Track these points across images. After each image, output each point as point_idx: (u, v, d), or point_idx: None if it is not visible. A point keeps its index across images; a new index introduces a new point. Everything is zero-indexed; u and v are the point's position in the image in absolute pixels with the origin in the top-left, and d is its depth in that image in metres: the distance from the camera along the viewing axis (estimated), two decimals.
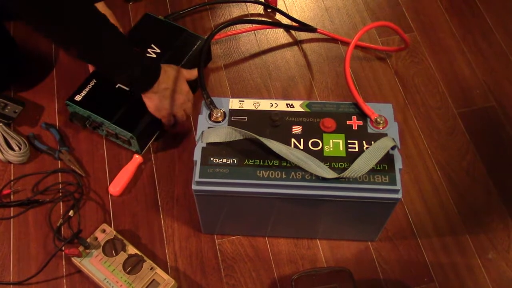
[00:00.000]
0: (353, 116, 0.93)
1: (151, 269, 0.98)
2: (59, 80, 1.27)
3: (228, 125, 0.91)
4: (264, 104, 0.94)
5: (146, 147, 1.15)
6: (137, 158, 1.12)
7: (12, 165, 1.14)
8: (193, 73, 1.13)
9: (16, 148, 1.12)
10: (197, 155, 0.88)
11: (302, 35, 1.37)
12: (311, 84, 1.28)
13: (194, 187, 0.87)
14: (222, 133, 0.89)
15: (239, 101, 0.95)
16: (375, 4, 1.44)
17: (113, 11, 1.38)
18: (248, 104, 0.94)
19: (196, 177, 0.86)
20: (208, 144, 0.89)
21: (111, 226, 1.06)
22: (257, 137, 0.88)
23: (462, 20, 1.40)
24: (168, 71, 1.05)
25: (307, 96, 1.26)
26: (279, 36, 1.37)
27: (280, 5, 1.42)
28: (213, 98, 0.94)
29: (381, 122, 0.91)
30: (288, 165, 0.87)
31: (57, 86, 1.26)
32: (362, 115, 0.93)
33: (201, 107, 0.94)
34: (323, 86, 1.28)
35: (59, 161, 1.14)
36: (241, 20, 1.38)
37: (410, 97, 1.26)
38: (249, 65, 1.31)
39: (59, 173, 1.13)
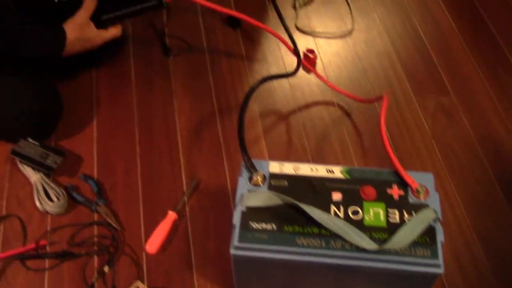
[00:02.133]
0: (393, 185, 0.92)
1: None
2: (99, 131, 1.29)
3: (268, 189, 0.91)
4: (304, 169, 0.95)
5: None
6: (172, 215, 1.13)
7: (49, 215, 1.15)
8: (88, 7, 1.18)
9: (55, 199, 1.14)
10: (236, 219, 0.88)
11: (338, 94, 1.38)
12: (346, 143, 1.28)
13: (232, 251, 0.87)
14: (262, 198, 0.89)
15: (280, 164, 0.95)
16: (412, 65, 1.44)
17: (154, 65, 1.43)
18: (288, 168, 0.95)
19: (235, 242, 0.86)
20: (247, 207, 0.89)
21: (144, 283, 1.06)
22: (297, 203, 0.87)
23: (499, 82, 1.40)
24: (69, 38, 1.16)
25: (342, 155, 1.26)
26: (315, 93, 1.38)
27: (317, 65, 1.44)
28: (253, 161, 0.94)
29: (422, 192, 0.90)
30: (328, 233, 0.86)
31: (97, 137, 1.28)
32: (403, 184, 0.92)
33: (241, 169, 0.94)
34: (359, 146, 1.28)
35: (95, 214, 1.15)
36: (276, 75, 1.38)
37: (446, 161, 1.25)
38: (285, 122, 1.32)
39: (95, 226, 1.13)
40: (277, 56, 1.46)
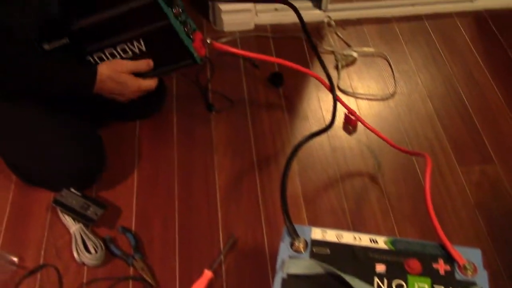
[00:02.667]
0: (439, 259, 0.89)
1: None
2: (139, 184, 1.31)
3: (310, 256, 0.89)
4: (347, 237, 0.93)
5: None
6: (208, 274, 1.11)
7: (86, 267, 1.15)
8: (139, 65, 1.15)
9: (93, 251, 1.14)
10: (276, 286, 0.86)
11: (379, 154, 1.37)
12: (387, 207, 1.26)
13: None
14: (304, 265, 0.87)
15: (322, 231, 0.93)
16: (455, 131, 1.43)
17: (196, 120, 1.45)
18: (331, 235, 0.93)
19: None
20: (288, 275, 0.87)
21: None
22: (340, 273, 0.85)
23: None
24: (101, 73, 1.12)
25: (383, 220, 1.24)
26: (356, 154, 1.37)
27: (358, 126, 1.44)
28: (295, 226, 0.93)
29: (470, 269, 0.87)
30: None
31: (137, 190, 1.29)
32: (449, 259, 0.89)
33: (282, 233, 0.93)
34: (400, 211, 1.25)
35: (131, 268, 1.15)
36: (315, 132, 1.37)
37: (491, 234, 1.21)
38: (324, 183, 1.31)
39: (130, 281, 1.13)
40: (318, 115, 1.46)
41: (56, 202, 1.20)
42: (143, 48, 1.11)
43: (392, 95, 1.52)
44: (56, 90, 1.13)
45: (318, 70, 1.57)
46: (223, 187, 1.30)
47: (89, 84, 1.13)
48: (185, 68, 1.17)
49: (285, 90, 1.53)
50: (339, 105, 1.45)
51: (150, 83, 1.19)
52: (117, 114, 1.42)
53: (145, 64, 1.15)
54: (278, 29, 1.71)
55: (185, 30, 1.08)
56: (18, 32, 1.07)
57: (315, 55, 1.27)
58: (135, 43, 1.10)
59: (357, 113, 1.43)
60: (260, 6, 1.73)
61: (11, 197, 1.27)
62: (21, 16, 1.07)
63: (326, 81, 1.26)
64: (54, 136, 1.19)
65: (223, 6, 1.66)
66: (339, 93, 1.52)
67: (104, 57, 1.15)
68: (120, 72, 1.12)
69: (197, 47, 1.10)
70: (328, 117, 1.45)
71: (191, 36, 1.10)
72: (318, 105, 1.48)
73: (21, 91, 1.15)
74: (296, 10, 1.20)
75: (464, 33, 1.71)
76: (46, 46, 1.11)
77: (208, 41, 1.11)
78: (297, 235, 0.92)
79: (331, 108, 1.21)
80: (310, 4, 1.75)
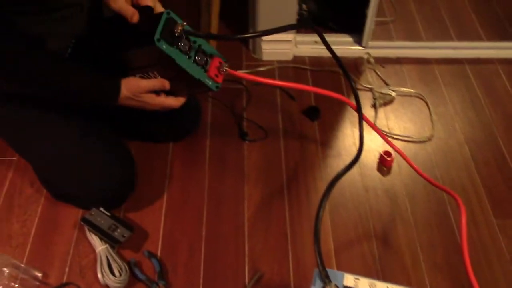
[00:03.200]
0: None
1: None
2: (167, 208, 1.30)
3: None
4: (380, 287, 0.90)
5: None
6: None
7: None
8: (154, 85, 1.11)
9: (117, 273, 1.13)
10: None
11: (413, 198, 1.34)
12: (418, 255, 1.22)
13: None
14: None
15: (355, 278, 0.91)
16: (492, 181, 1.39)
17: (229, 148, 1.44)
18: (363, 284, 0.90)
19: None
20: None
21: None
22: None
23: None
24: (121, 92, 1.10)
25: (413, 269, 1.20)
26: (389, 196, 1.34)
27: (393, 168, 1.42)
28: (327, 270, 0.91)
29: None
30: None
31: (165, 213, 1.28)
32: None
33: (313, 276, 0.91)
34: (431, 260, 1.22)
35: None
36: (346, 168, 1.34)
37: None
38: (354, 224, 1.29)
39: None
40: (352, 153, 1.44)
41: (85, 220, 1.19)
42: (158, 77, 1.11)
43: (429, 139, 1.49)
44: (80, 100, 1.13)
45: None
46: (251, 218, 1.28)
47: (112, 99, 1.11)
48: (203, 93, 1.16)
49: (320, 125, 1.51)
50: (374, 145, 1.44)
51: (172, 102, 1.15)
52: (151, 134, 1.42)
53: (159, 84, 1.11)
54: (316, 62, 1.70)
55: (196, 60, 1.06)
56: (52, 43, 1.09)
57: (350, 87, 1.23)
58: (150, 73, 1.11)
59: (392, 154, 1.41)
60: (300, 38, 1.73)
61: (40, 211, 1.27)
62: (58, 27, 1.09)
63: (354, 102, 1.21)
64: (86, 154, 1.19)
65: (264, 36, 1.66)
66: (374, 133, 1.49)
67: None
68: (138, 93, 1.10)
69: (211, 75, 1.07)
70: (364, 157, 1.43)
71: (206, 65, 1.07)
72: (352, 143, 1.47)
73: (46, 98, 1.14)
74: (321, 36, 1.16)
75: (506, 81, 1.68)
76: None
77: (224, 69, 1.09)
78: (329, 281, 0.89)
79: (365, 147, 1.19)
80: (350, 39, 1.75)
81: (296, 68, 1.69)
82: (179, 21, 1.02)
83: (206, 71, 1.06)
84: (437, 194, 1.36)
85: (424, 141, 1.49)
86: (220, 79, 1.08)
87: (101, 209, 1.21)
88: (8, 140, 1.24)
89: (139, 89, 1.10)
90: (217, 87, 1.08)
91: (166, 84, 1.10)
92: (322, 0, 1.82)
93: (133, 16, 1.05)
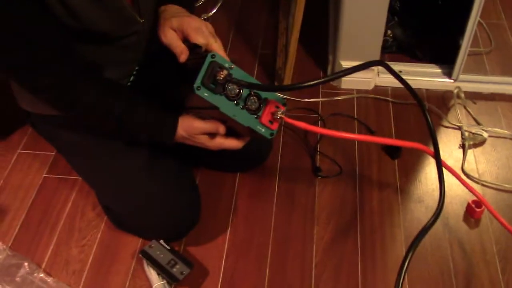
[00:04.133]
0: None
1: None
2: (230, 245, 1.21)
3: None
4: None
5: None
6: None
7: None
8: (209, 128, 1.00)
9: None
10: None
11: (505, 257, 1.18)
12: None
13: None
14: None
15: None
16: None
17: (300, 183, 1.34)
18: None
19: None
20: None
21: None
22: None
23: None
24: (178, 132, 1.02)
25: None
26: (476, 252, 1.19)
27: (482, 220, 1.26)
28: None
29: None
30: None
31: (227, 251, 1.20)
32: None
33: None
34: None
35: None
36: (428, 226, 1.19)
37: None
38: (436, 283, 1.15)
39: None
40: (436, 199, 1.29)
41: (143, 253, 1.13)
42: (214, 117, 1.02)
43: None
44: (131, 136, 1.05)
45: (444, 144, 1.42)
46: (320, 265, 1.17)
47: (167, 137, 1.02)
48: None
49: (401, 164, 1.38)
50: (461, 191, 1.29)
51: (233, 144, 1.03)
52: (217, 164, 1.34)
53: (213, 127, 1.00)
54: (399, 94, 1.57)
55: (246, 106, 0.95)
56: (111, 71, 1.03)
57: (427, 127, 1.08)
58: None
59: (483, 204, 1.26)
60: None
61: (99, 237, 1.22)
62: (117, 56, 1.03)
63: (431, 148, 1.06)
64: (150, 185, 1.13)
65: (344, 61, 1.55)
66: (462, 177, 1.35)
67: None
68: (194, 134, 1.01)
69: (265, 122, 0.96)
70: (448, 204, 1.29)
71: (259, 110, 0.96)
72: (436, 187, 1.32)
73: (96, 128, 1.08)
74: (391, 70, 1.02)
75: None
76: None
77: (279, 116, 0.97)
78: None
79: (451, 193, 1.05)
80: (439, 70, 1.60)
81: (377, 99, 1.57)
82: (227, 64, 0.92)
83: (258, 117, 0.95)
84: None
85: None
86: (275, 126, 0.96)
87: (161, 241, 1.15)
88: (71, 164, 1.21)
89: (194, 129, 1.01)
90: (271, 134, 0.97)
91: (221, 129, 1.00)
92: (409, 26, 1.69)
93: (182, 54, 0.96)
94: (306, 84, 0.89)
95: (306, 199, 1.31)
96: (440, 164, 1.02)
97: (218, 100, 0.91)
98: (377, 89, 1.60)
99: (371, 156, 1.40)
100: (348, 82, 1.59)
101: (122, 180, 1.14)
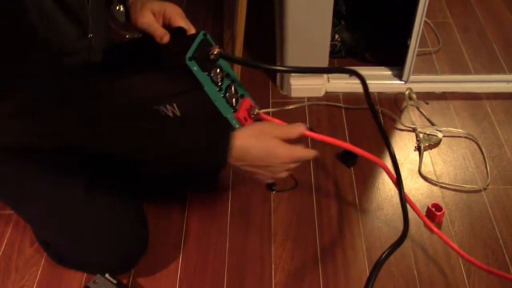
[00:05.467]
0: None
1: None
2: (183, 272, 1.13)
3: None
4: None
5: None
6: None
7: None
8: (294, 130, 0.85)
9: None
10: None
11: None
12: None
13: None
14: None
15: None
16: None
17: (254, 200, 1.27)
18: None
19: None
20: None
21: None
22: None
23: None
24: (241, 145, 0.82)
25: None
26: (440, 258, 1.15)
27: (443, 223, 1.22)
28: None
29: None
30: None
31: (180, 279, 1.12)
32: None
33: None
34: None
35: None
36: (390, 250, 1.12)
37: None
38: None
39: None
40: (395, 205, 1.26)
41: None
42: (177, 112, 0.94)
43: (485, 188, 1.29)
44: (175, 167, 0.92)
45: (400, 148, 1.37)
46: (280, 285, 1.10)
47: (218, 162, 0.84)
48: None
49: (357, 172, 1.33)
50: (420, 195, 1.25)
51: (305, 154, 0.87)
52: (165, 186, 1.26)
53: (297, 131, 0.86)
54: (351, 99, 1.53)
55: (225, 97, 0.90)
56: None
57: (384, 134, 1.04)
58: (168, 107, 0.94)
59: (443, 207, 1.22)
60: None
61: (39, 275, 1.12)
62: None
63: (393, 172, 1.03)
64: (91, 213, 1.03)
65: None
66: (419, 181, 1.31)
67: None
68: (266, 135, 0.84)
69: (240, 117, 0.90)
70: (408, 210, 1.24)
71: (235, 105, 0.91)
72: (395, 193, 1.28)
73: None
74: (363, 81, 0.98)
75: None
76: None
77: (255, 112, 0.92)
78: None
79: (411, 198, 1.01)
80: (389, 73, 1.57)
81: (329, 105, 1.52)
82: (214, 44, 0.88)
83: (235, 111, 0.90)
84: (498, 256, 1.16)
85: (478, 191, 1.29)
86: (248, 123, 0.92)
87: (107, 275, 1.05)
88: (2, 198, 1.10)
89: (270, 127, 0.85)
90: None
91: (301, 128, 0.86)
92: (357, 29, 1.65)
93: (164, 36, 0.91)
94: (291, 68, 1.00)
95: (262, 216, 1.24)
96: (402, 191, 0.98)
97: (205, 79, 0.85)
98: (328, 95, 1.55)
99: (327, 166, 1.35)
100: (298, 90, 1.53)
101: (59, 212, 1.04)
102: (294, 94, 1.54)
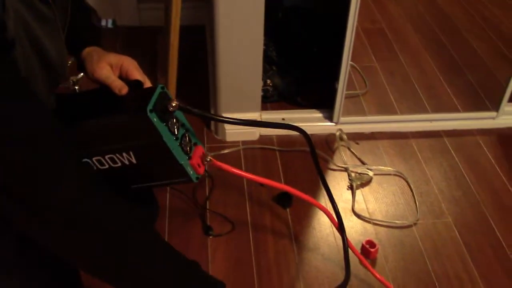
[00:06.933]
0: None
1: None
2: None
3: None
4: None
5: None
6: None
7: None
8: None
9: None
10: None
11: None
12: None
13: None
14: None
15: None
16: (487, 268, 1.23)
17: (191, 246, 1.26)
18: None
19: None
20: None
21: None
22: None
23: None
24: None
25: None
26: None
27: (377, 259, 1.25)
28: None
29: None
30: None
31: None
32: None
33: None
34: None
35: None
36: None
37: None
38: None
39: None
40: (331, 244, 1.27)
41: None
42: (133, 161, 0.96)
43: (415, 223, 1.34)
44: None
45: (333, 187, 1.40)
46: None
47: None
48: (180, 184, 1.02)
49: (293, 212, 1.35)
50: (355, 233, 1.28)
51: None
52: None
53: None
54: (285, 141, 1.56)
55: (181, 146, 0.94)
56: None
57: (330, 200, 1.09)
58: (125, 155, 0.95)
59: (376, 244, 1.25)
60: (266, 115, 1.60)
61: None
62: None
63: (335, 217, 1.08)
64: None
65: (227, 114, 1.52)
66: (353, 219, 1.34)
67: (92, 164, 0.98)
68: None
69: (194, 164, 0.95)
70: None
71: (189, 152, 0.95)
72: (331, 232, 1.30)
73: None
74: (307, 137, 1.05)
75: (487, 153, 1.57)
76: None
77: (208, 159, 0.96)
78: None
79: (347, 235, 1.03)
80: (320, 115, 1.62)
81: (263, 148, 1.54)
82: (171, 98, 0.91)
83: (189, 158, 0.93)
84: (428, 285, 1.19)
85: (409, 226, 1.33)
86: (201, 170, 0.95)
87: None
88: None
89: None
90: (197, 178, 0.95)
91: None
92: (288, 74, 1.71)
93: (122, 88, 0.91)
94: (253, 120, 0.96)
95: (199, 261, 1.22)
96: (345, 239, 1.02)
97: (163, 129, 0.88)
98: (263, 139, 1.57)
99: (263, 208, 1.36)
100: (233, 134, 1.55)
101: None
102: (229, 138, 1.56)
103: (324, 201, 1.37)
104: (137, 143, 0.93)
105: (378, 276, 1.14)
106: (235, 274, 1.20)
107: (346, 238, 1.05)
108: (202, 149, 0.96)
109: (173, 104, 0.89)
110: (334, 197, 1.36)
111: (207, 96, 1.66)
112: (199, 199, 1.37)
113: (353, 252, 1.09)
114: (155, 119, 0.87)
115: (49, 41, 0.81)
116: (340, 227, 1.05)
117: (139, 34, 2.01)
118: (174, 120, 0.92)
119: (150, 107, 0.87)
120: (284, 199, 1.36)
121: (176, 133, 0.92)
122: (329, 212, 1.00)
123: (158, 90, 0.90)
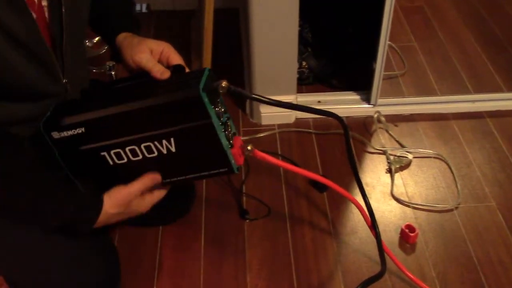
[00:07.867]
0: None
1: None
2: None
3: None
4: None
5: None
6: None
7: None
8: (145, 183, 0.92)
9: None
10: None
11: (442, 276, 1.13)
12: None
13: None
14: None
15: None
16: None
17: (227, 230, 1.26)
18: None
19: None
20: None
21: None
22: None
23: None
24: (106, 212, 0.91)
25: None
26: (418, 278, 1.15)
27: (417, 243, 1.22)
28: None
29: None
30: None
31: None
32: None
33: None
34: None
35: None
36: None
37: None
38: None
39: None
40: (368, 229, 1.25)
41: None
42: (172, 149, 0.92)
43: (456, 207, 1.30)
44: (44, 220, 0.92)
45: (371, 171, 1.38)
46: None
47: (85, 226, 0.92)
48: (216, 176, 0.99)
49: (330, 196, 1.33)
50: (394, 217, 1.25)
51: (159, 194, 0.97)
52: (137, 219, 1.23)
53: (150, 180, 0.93)
54: (321, 125, 1.54)
55: (225, 133, 0.90)
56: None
57: (362, 195, 1.08)
58: (164, 142, 0.92)
59: (416, 228, 1.22)
60: (301, 98, 1.57)
61: None
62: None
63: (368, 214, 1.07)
64: (55, 249, 0.99)
65: None
66: (392, 203, 1.32)
67: (123, 155, 0.96)
68: (128, 202, 0.92)
69: (235, 154, 0.91)
70: (381, 231, 1.24)
71: (231, 141, 0.92)
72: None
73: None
74: (344, 125, 1.02)
75: None
76: (56, 135, 0.93)
77: (249, 148, 0.93)
78: None
79: (384, 220, 1.01)
80: (357, 97, 1.59)
81: (299, 132, 1.52)
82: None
83: (231, 146, 0.90)
84: (473, 275, 1.16)
85: (450, 210, 1.30)
86: (242, 160, 0.92)
87: None
88: None
89: (129, 196, 0.91)
90: (238, 169, 0.92)
91: (158, 177, 0.92)
92: (323, 56, 1.68)
93: (164, 72, 0.90)
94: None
95: (236, 246, 1.22)
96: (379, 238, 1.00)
97: (212, 112, 0.85)
98: (299, 122, 1.55)
99: (299, 192, 1.34)
100: (269, 117, 1.54)
101: (22, 250, 1.00)
102: (264, 121, 1.55)
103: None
104: (183, 127, 0.89)
105: (413, 277, 1.11)
106: (271, 257, 1.20)
107: (380, 238, 1.03)
108: (240, 140, 0.93)
109: (223, 85, 0.85)
110: (372, 181, 1.35)
111: (241, 79, 1.64)
112: (234, 183, 1.37)
113: (388, 254, 1.08)
114: (206, 99, 0.85)
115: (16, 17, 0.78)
116: (373, 225, 1.04)
117: (173, 18, 2.00)
118: (219, 105, 0.89)
119: (201, 85, 0.85)
120: (320, 182, 1.34)
121: (221, 118, 0.89)
122: (362, 209, 0.98)
123: (206, 72, 0.87)
